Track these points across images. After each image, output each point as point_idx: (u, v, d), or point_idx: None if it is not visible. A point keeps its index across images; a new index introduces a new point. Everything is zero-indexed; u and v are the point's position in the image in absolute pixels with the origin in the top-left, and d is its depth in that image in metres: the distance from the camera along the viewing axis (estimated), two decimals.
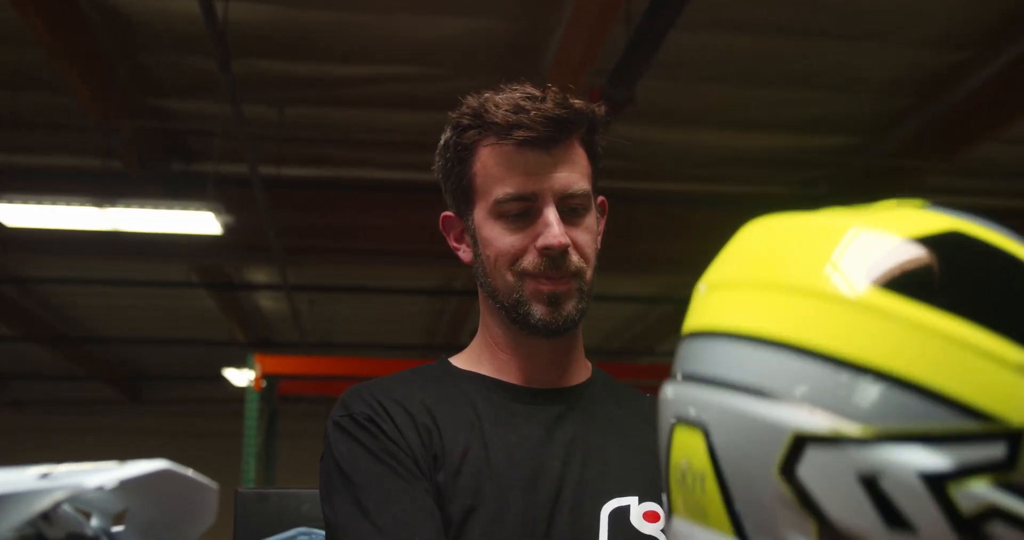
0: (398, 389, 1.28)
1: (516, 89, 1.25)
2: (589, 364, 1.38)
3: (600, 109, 1.29)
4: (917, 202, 0.70)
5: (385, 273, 8.11)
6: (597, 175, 1.31)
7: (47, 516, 0.68)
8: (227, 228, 5.55)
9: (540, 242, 1.21)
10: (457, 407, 1.27)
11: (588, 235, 1.26)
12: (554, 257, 1.21)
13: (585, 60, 4.59)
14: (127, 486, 0.74)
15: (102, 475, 0.70)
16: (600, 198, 1.34)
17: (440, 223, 1.34)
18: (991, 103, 5.33)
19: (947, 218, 0.66)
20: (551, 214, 1.21)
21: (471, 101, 1.26)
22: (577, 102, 1.26)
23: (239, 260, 7.14)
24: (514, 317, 1.26)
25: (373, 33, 4.83)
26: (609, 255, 5.40)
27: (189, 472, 0.78)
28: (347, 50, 5.02)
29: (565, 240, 1.21)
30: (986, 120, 5.47)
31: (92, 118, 5.22)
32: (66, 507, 0.73)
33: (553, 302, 1.23)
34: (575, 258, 1.23)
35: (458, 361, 1.35)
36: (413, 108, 5.49)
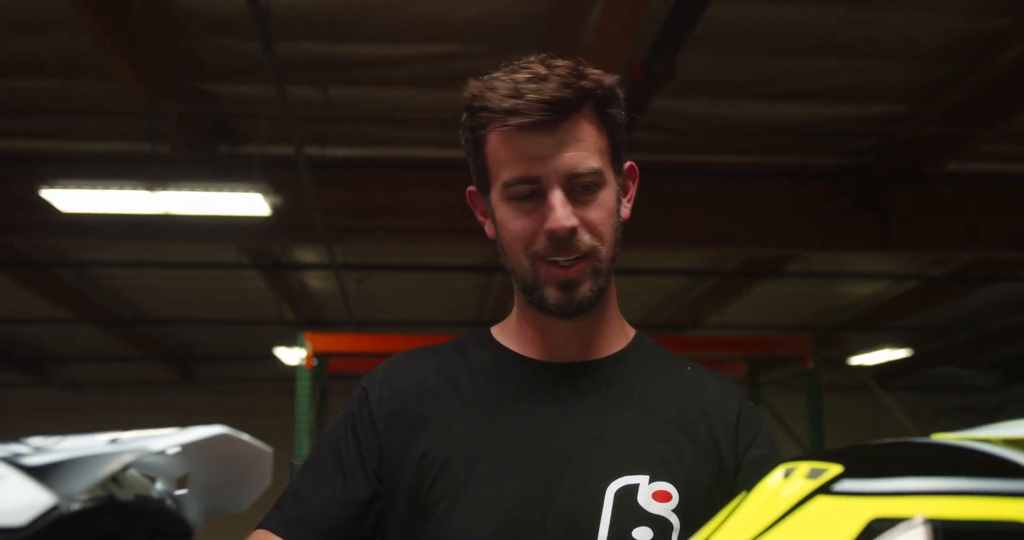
0: (417, 365, 1.34)
1: (523, 68, 1.22)
2: (630, 333, 1.37)
3: (612, 80, 1.25)
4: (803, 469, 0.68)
5: (431, 250, 8.16)
6: (619, 145, 1.29)
7: (116, 479, 0.72)
8: (274, 209, 5.63)
9: (545, 226, 1.20)
10: (472, 381, 1.30)
11: (601, 212, 1.23)
12: (561, 239, 1.20)
13: (625, 33, 4.58)
14: (188, 450, 0.78)
15: (165, 439, 0.74)
16: (627, 164, 1.32)
17: (467, 198, 1.36)
18: None
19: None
20: (555, 197, 1.20)
21: (475, 84, 1.24)
22: (591, 73, 1.23)
23: (287, 240, 7.22)
24: (530, 299, 1.27)
25: (413, 12, 4.86)
26: (654, 229, 5.45)
27: (245, 436, 0.82)
28: (388, 30, 5.05)
29: (568, 223, 1.20)
30: None
31: (140, 103, 5.31)
32: (133, 472, 0.77)
33: (566, 286, 1.23)
34: (586, 237, 1.22)
35: (495, 331, 1.37)
36: (454, 85, 5.47)
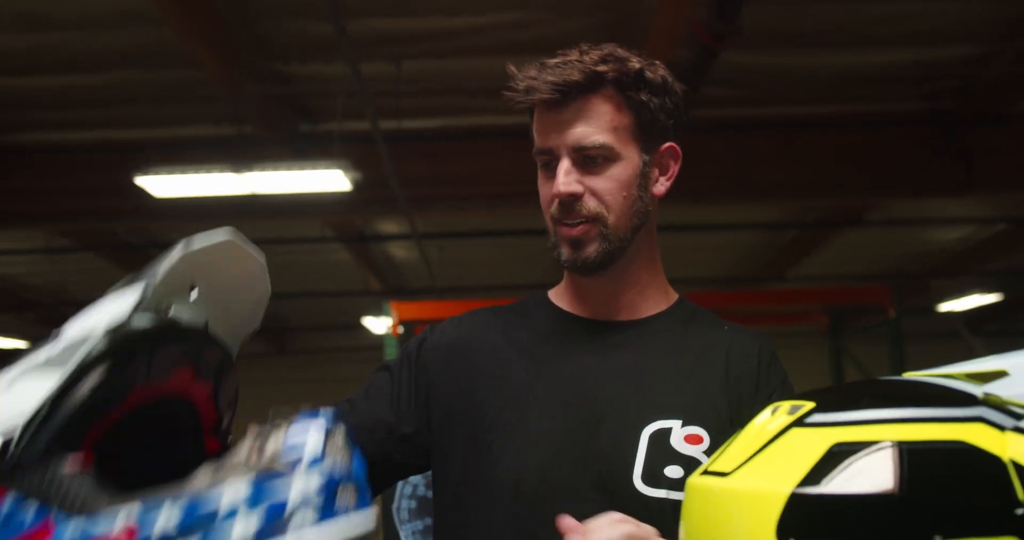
0: (478, 321, 1.53)
1: (564, 54, 1.40)
2: (672, 298, 1.50)
3: (638, 65, 1.39)
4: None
5: (508, 215, 8.27)
6: (650, 125, 1.41)
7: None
8: (355, 183, 5.78)
9: (551, 190, 1.38)
10: (526, 336, 1.46)
11: (610, 182, 1.37)
12: (564, 203, 1.37)
13: None
14: (196, 257, 0.91)
15: (175, 252, 0.92)
16: (668, 144, 1.45)
17: None
18: None
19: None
20: (562, 166, 1.37)
21: (519, 67, 1.41)
22: (618, 58, 1.38)
23: (369, 213, 7.41)
24: (553, 256, 1.43)
25: None
26: (734, 183, 5.47)
27: (249, 245, 0.93)
28: (455, 2, 5.13)
29: (568, 189, 1.36)
30: None
31: (222, 88, 5.49)
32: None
33: (573, 244, 1.39)
34: (591, 204, 1.37)
35: (551, 294, 1.53)
36: (522, 53, 5.53)
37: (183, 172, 5.39)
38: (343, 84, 5.60)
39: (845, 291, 8.85)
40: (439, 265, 9.26)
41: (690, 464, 1.30)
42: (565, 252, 1.40)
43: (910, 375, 0.81)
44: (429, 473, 1.47)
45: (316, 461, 0.86)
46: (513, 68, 1.40)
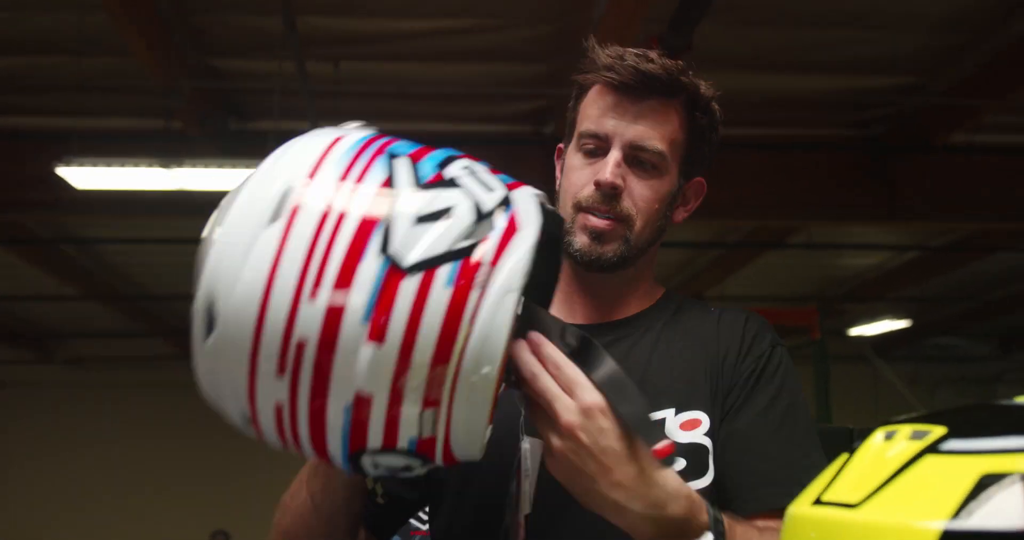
0: None
1: (643, 49, 1.36)
2: (659, 292, 1.46)
3: (711, 92, 1.37)
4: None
5: None
6: (695, 152, 1.38)
7: None
8: None
9: (596, 177, 1.31)
10: None
11: (649, 191, 1.33)
12: (605, 193, 1.31)
13: (638, 7, 4.59)
14: None
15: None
16: (699, 179, 1.43)
17: (555, 154, 1.46)
18: None
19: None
20: (613, 156, 1.31)
21: (599, 50, 1.36)
22: (694, 77, 1.36)
23: None
24: (564, 245, 1.35)
25: None
26: None
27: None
28: (401, 5, 5.06)
29: (617, 181, 1.30)
30: None
31: (153, 79, 5.31)
32: None
33: (595, 237, 1.32)
34: (627, 203, 1.32)
35: None
36: (466, 60, 5.52)
37: (108, 164, 5.19)
38: (279, 82, 5.47)
39: (775, 312, 8.98)
40: None
41: (695, 450, 1.27)
42: (580, 242, 1.32)
43: (1022, 399, 0.76)
44: None
45: None
46: (595, 45, 1.34)
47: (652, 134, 1.31)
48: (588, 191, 1.32)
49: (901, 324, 11.56)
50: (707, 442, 1.27)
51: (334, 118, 4.76)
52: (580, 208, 1.33)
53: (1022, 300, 11.49)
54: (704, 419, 1.29)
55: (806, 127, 6.77)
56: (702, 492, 1.17)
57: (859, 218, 7.25)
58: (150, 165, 5.16)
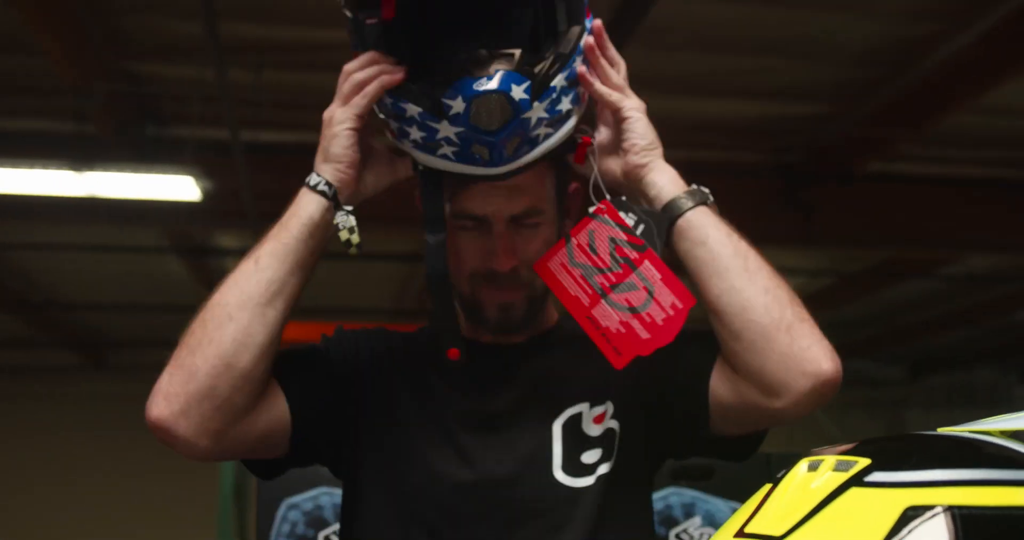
0: (398, 341, 1.49)
1: None
2: (555, 316, 1.51)
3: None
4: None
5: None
6: (565, 178, 1.47)
7: None
8: (205, 193, 5.52)
9: (492, 263, 1.41)
10: (433, 359, 1.40)
11: (539, 243, 1.42)
12: (504, 275, 1.42)
13: None
14: None
15: None
16: (572, 187, 1.54)
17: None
18: (962, 74, 5.41)
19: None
20: (501, 238, 1.40)
21: None
22: None
23: (216, 225, 7.11)
24: (465, 315, 1.48)
25: None
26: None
27: None
28: (325, 13, 4.97)
29: (514, 262, 1.40)
30: (957, 90, 5.56)
31: (66, 81, 5.15)
32: None
33: (504, 309, 1.43)
34: (524, 271, 1.41)
35: None
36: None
37: (14, 167, 5.01)
38: (198, 88, 5.35)
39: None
40: None
41: (605, 436, 1.35)
42: (494, 315, 1.37)
43: (945, 431, 0.75)
44: (310, 510, 1.42)
45: None
46: None
47: (531, 200, 1.34)
48: (485, 267, 1.36)
49: None
50: (615, 424, 1.36)
51: (254, 127, 4.70)
52: (482, 280, 1.37)
53: (931, 326, 11.82)
54: (609, 408, 1.36)
55: (725, 152, 6.86)
56: (610, 475, 1.31)
57: (776, 243, 7.36)
58: (60, 168, 5.00)
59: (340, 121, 1.32)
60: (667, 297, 1.26)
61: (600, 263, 1.30)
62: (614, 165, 1.37)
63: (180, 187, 5.34)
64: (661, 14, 4.41)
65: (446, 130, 1.24)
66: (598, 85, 1.35)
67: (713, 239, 1.28)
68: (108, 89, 5.38)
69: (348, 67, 1.34)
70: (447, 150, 1.27)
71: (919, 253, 8.13)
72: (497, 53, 1.25)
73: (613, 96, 1.35)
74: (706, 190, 1.37)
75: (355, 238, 1.29)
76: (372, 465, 1.37)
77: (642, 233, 1.32)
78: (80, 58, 4.98)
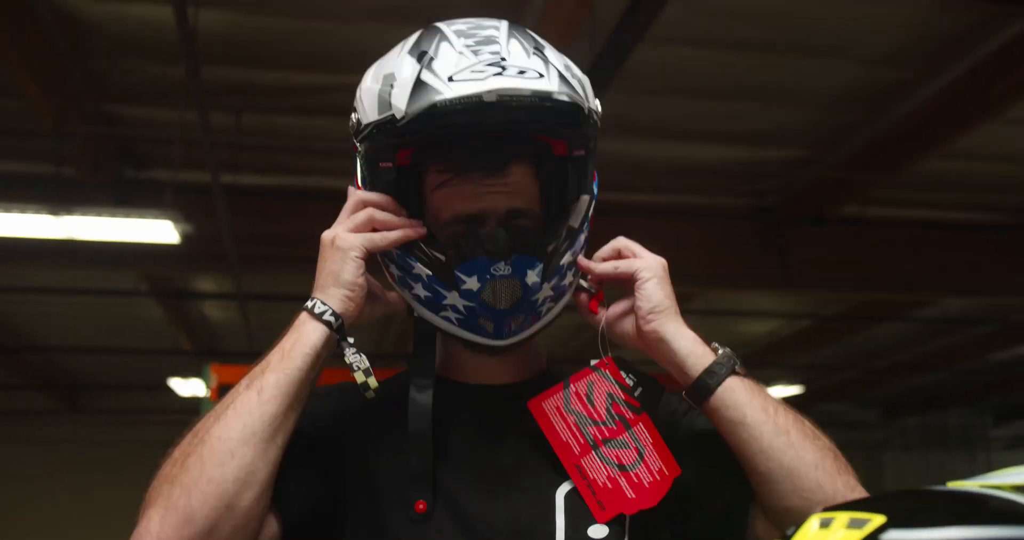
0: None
1: None
2: (544, 359, 1.44)
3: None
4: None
5: None
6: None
7: None
8: (184, 237, 5.50)
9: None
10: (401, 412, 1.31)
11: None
12: None
13: None
14: None
15: None
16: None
17: None
18: (935, 120, 5.48)
19: None
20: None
21: None
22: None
23: (194, 269, 7.06)
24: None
25: (333, 41, 4.83)
26: None
27: None
28: (306, 58, 5.01)
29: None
30: (930, 136, 5.63)
31: (45, 123, 5.14)
32: None
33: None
34: None
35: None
36: None
37: None
38: (178, 131, 5.35)
39: (665, 377, 9.05)
40: (256, 328, 8.91)
41: (616, 518, 1.26)
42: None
43: (955, 485, 0.74)
44: None
45: None
46: None
47: (524, 200, 1.31)
48: None
49: (794, 390, 11.80)
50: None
51: (234, 170, 4.70)
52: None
53: (906, 368, 11.86)
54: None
55: (703, 195, 6.91)
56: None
57: (753, 286, 7.41)
58: (38, 212, 4.96)
59: (352, 247, 1.24)
60: (656, 462, 1.28)
61: (595, 416, 1.30)
62: (627, 324, 1.33)
63: (159, 230, 5.31)
64: (639, 60, 4.46)
65: (454, 300, 1.24)
66: (602, 268, 1.33)
67: (751, 419, 1.22)
68: (87, 131, 5.37)
69: (365, 197, 1.27)
70: (451, 315, 1.26)
71: (894, 296, 8.18)
72: (513, 229, 1.26)
73: (621, 266, 1.32)
74: (731, 352, 1.30)
75: (372, 381, 1.22)
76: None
77: (640, 396, 1.32)
78: (59, 100, 4.97)
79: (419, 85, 1.18)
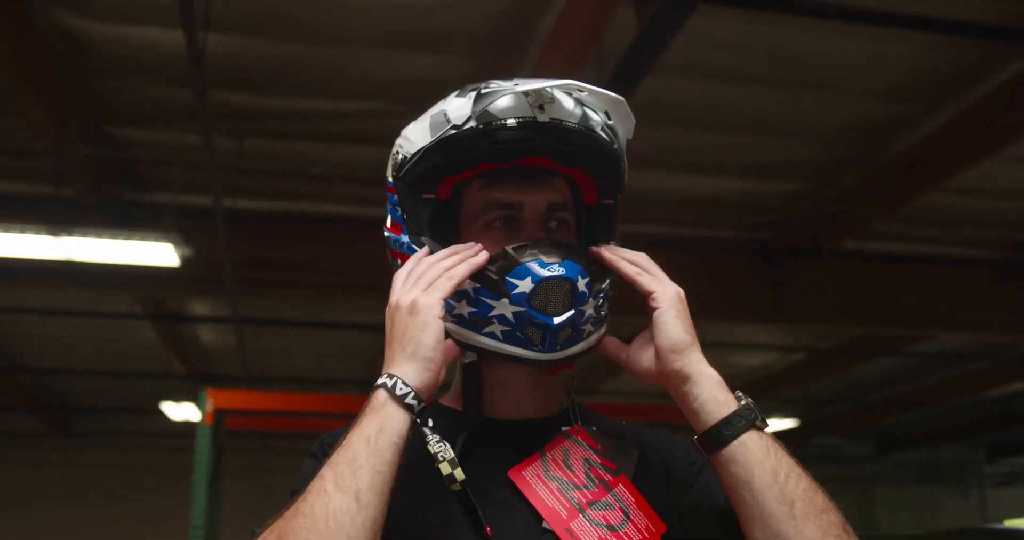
0: None
1: None
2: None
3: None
4: None
5: (332, 307, 8.06)
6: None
7: None
8: (184, 260, 5.49)
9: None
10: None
11: None
12: None
13: None
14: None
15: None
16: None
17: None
18: (934, 155, 5.52)
19: None
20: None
21: None
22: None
23: (193, 292, 7.04)
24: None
25: (337, 67, 4.85)
26: None
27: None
28: (310, 84, 5.03)
29: None
30: (929, 171, 5.66)
31: (46, 143, 5.14)
32: None
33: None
34: None
35: (443, 399, 1.39)
36: (373, 143, 5.50)
37: None
38: (180, 154, 5.36)
39: (666, 409, 9.02)
40: (250, 352, 8.88)
41: None
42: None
43: (1012, 523, 0.73)
44: None
45: None
46: None
47: (563, 197, 1.33)
48: None
49: (788, 423, 11.77)
50: None
51: (235, 194, 4.70)
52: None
53: (898, 403, 11.86)
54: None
55: (701, 227, 6.92)
56: None
57: (748, 319, 7.40)
58: (37, 232, 4.95)
59: (429, 307, 1.17)
60: (642, 520, 1.27)
61: (576, 480, 1.28)
62: (645, 359, 1.28)
63: (159, 253, 5.30)
64: (640, 92, 4.48)
65: (503, 308, 1.21)
66: (625, 265, 1.28)
67: (758, 481, 1.16)
68: (88, 152, 5.37)
69: (430, 258, 1.24)
70: (496, 329, 1.23)
71: (890, 330, 8.19)
72: (561, 244, 1.25)
73: (643, 277, 1.28)
74: (753, 404, 1.24)
75: (459, 473, 1.15)
76: None
77: (614, 458, 1.32)
78: (61, 120, 4.97)
79: (482, 94, 1.22)
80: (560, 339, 1.23)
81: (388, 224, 1.32)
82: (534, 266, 1.20)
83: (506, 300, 1.21)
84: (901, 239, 6.98)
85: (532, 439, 1.31)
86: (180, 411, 10.27)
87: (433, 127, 1.24)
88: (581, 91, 1.22)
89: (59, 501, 12.48)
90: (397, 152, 1.30)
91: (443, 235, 1.29)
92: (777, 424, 11.63)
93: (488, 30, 4.55)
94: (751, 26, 4.47)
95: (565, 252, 1.23)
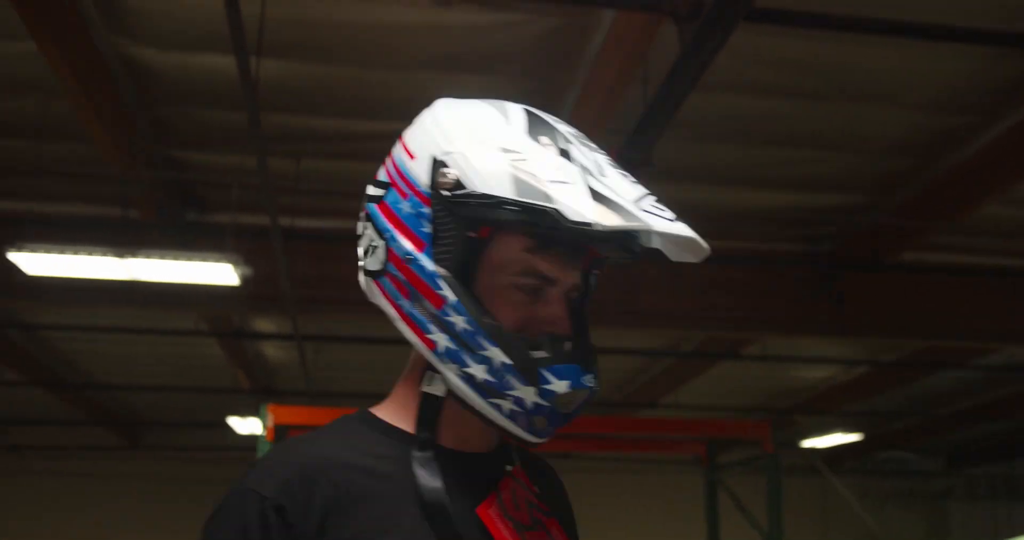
0: (329, 456, 1.22)
1: None
2: None
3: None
4: None
5: (389, 323, 8.16)
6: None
7: None
8: (244, 279, 5.62)
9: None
10: (392, 469, 1.23)
11: None
12: None
13: (600, 119, 4.71)
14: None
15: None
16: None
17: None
18: (992, 165, 5.44)
19: None
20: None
21: None
22: None
23: (253, 310, 7.19)
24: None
25: (389, 89, 4.94)
26: (617, 308, 5.53)
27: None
28: (364, 105, 5.13)
29: None
30: (987, 182, 5.58)
31: (111, 168, 5.31)
32: None
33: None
34: None
35: (381, 412, 1.33)
36: None
37: (61, 251, 5.13)
38: (238, 176, 5.49)
39: (728, 424, 8.98)
40: (312, 367, 9.03)
41: None
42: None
43: None
44: None
45: None
46: None
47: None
48: (539, 332, 1.29)
49: (852, 437, 11.60)
50: None
51: (292, 214, 4.80)
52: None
53: (968, 417, 11.61)
54: None
55: (759, 241, 6.89)
56: None
57: (808, 332, 7.33)
58: (104, 254, 5.11)
59: None
60: None
61: (525, 521, 1.30)
62: None
63: (219, 272, 5.44)
64: (692, 107, 4.49)
65: (527, 395, 1.18)
66: None
67: None
68: (152, 176, 5.54)
69: None
70: (506, 405, 1.19)
71: (953, 343, 8.05)
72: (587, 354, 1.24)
73: None
74: None
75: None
76: None
77: (546, 500, 1.35)
78: (125, 146, 5.14)
79: (602, 199, 1.12)
80: (555, 429, 1.26)
81: (395, 220, 1.24)
82: (575, 371, 1.19)
83: (533, 390, 1.18)
84: (961, 251, 6.86)
85: (481, 474, 1.29)
86: (246, 425, 10.46)
87: (519, 187, 1.13)
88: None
89: (128, 510, 12.78)
90: (446, 168, 1.17)
91: (467, 265, 1.22)
92: (840, 438, 11.46)
93: (537, 51, 4.61)
94: (800, 42, 4.46)
95: (595, 362, 1.23)
